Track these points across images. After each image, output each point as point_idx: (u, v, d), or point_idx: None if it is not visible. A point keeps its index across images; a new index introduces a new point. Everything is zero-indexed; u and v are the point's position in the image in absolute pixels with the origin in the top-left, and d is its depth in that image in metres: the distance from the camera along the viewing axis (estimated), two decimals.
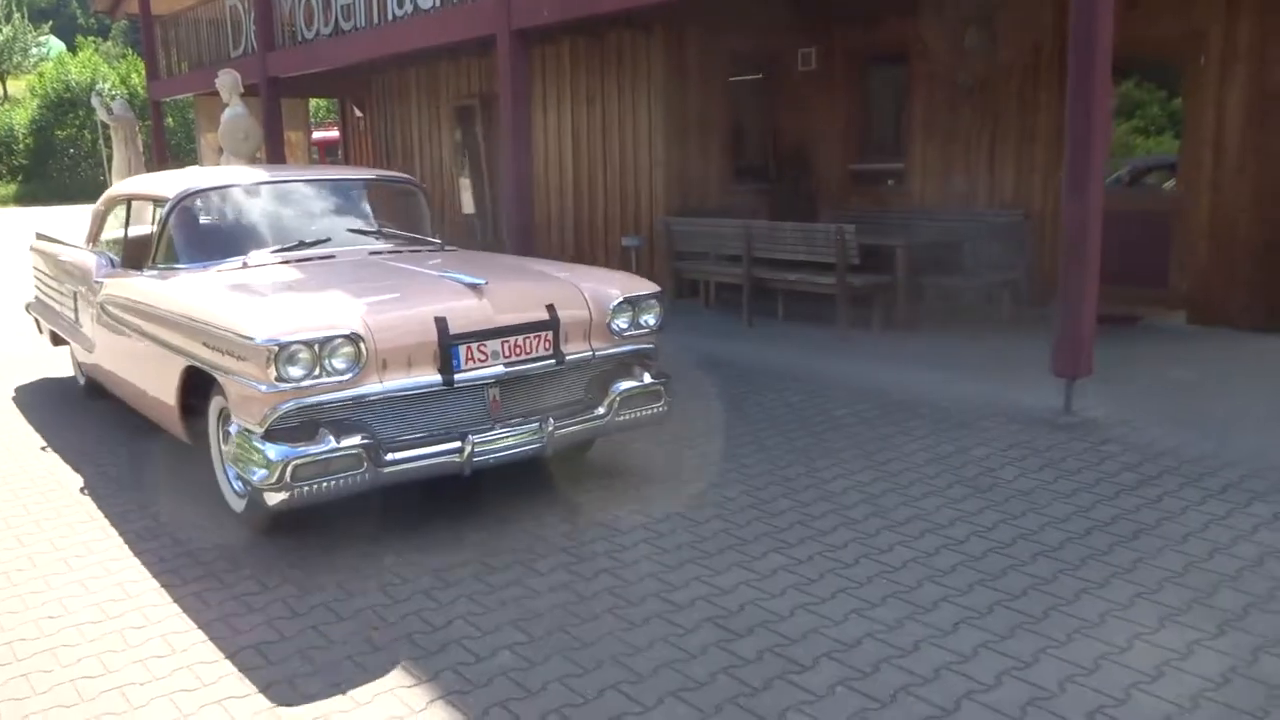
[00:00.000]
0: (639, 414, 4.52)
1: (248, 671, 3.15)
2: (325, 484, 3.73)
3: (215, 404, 4.29)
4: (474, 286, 4.21)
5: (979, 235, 7.96)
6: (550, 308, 4.26)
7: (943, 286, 8.02)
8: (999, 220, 8.40)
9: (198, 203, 5.30)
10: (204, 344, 4.06)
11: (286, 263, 4.93)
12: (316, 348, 3.69)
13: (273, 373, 3.64)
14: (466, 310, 4.09)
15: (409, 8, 9.64)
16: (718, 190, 10.30)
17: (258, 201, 5.43)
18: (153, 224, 5.32)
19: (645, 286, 4.65)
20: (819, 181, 10.34)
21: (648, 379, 4.55)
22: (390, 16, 9.94)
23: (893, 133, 9.94)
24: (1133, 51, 7.44)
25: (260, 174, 5.78)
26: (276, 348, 3.63)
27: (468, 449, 3.97)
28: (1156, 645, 3.13)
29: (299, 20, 11.62)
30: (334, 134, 21.05)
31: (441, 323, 3.97)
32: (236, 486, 4.27)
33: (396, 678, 3.09)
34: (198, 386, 4.33)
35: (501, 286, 4.31)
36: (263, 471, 3.70)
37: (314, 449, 3.70)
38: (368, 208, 5.78)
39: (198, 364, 4.15)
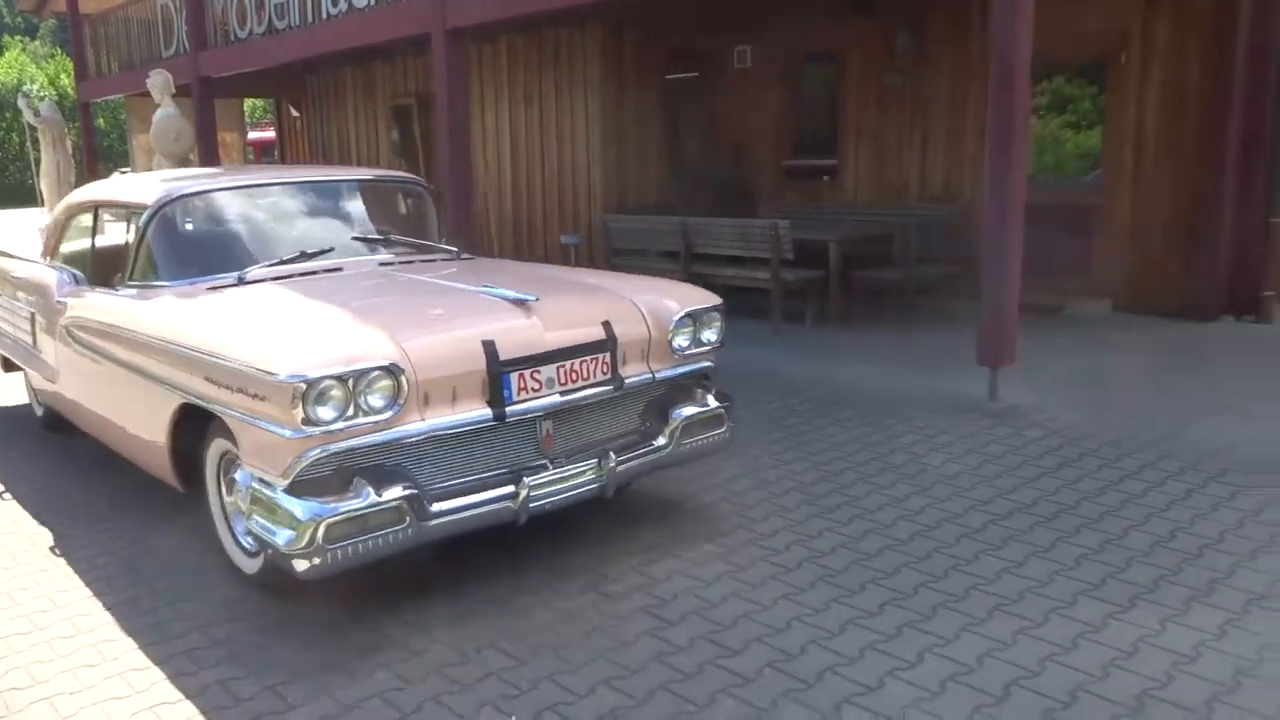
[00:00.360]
0: (702, 442, 4.08)
1: (180, 678, 3.14)
2: (362, 545, 3.17)
3: (216, 447, 3.71)
4: (521, 303, 3.69)
5: (910, 229, 8.13)
6: (606, 325, 3.77)
7: (874, 280, 8.19)
8: (930, 215, 8.59)
9: (182, 209, 4.60)
10: (206, 378, 3.46)
11: (288, 277, 4.29)
12: (350, 383, 3.13)
13: (299, 415, 3.06)
14: (516, 331, 3.56)
15: (343, 6, 9.57)
16: (655, 187, 10.38)
17: (250, 207, 4.80)
18: (127, 234, 4.66)
19: (705, 298, 4.19)
20: (755, 178, 10.47)
21: (711, 402, 4.10)
22: (324, 15, 9.86)
23: (828, 129, 10.09)
24: (1059, 49, 7.66)
25: (252, 176, 5.23)
26: (304, 385, 3.06)
27: (522, 493, 3.45)
28: (1071, 619, 3.26)
29: (231, 19, 11.46)
30: (270, 134, 20.75)
31: (490, 347, 3.45)
32: (246, 543, 3.69)
33: (330, 676, 3.10)
34: (191, 423, 3.75)
35: (550, 302, 3.77)
36: (289, 533, 3.13)
37: (350, 504, 3.15)
38: (371, 212, 5.16)
39: (196, 401, 3.57)
